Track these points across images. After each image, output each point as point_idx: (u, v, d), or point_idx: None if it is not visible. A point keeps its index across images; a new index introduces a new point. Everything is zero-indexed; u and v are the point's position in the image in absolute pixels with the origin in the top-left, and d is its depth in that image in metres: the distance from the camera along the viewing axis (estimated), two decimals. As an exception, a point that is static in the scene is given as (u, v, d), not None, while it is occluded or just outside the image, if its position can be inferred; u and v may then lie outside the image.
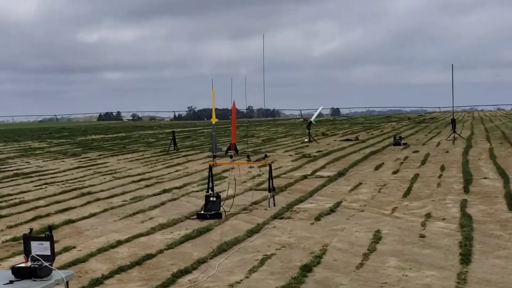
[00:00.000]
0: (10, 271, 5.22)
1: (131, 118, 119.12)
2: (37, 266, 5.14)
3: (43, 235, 5.49)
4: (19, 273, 5.14)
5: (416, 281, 7.16)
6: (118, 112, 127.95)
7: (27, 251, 5.36)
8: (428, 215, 10.92)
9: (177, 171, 19.77)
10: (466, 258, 8.01)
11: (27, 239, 5.38)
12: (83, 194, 14.76)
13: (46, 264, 5.18)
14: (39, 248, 5.32)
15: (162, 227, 10.56)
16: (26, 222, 11.35)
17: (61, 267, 7.17)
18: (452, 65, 31.22)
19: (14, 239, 9.88)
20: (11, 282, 5.08)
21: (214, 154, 18.79)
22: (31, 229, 5.82)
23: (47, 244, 5.32)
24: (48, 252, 5.30)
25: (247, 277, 7.53)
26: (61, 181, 17.59)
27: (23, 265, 5.23)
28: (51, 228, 5.90)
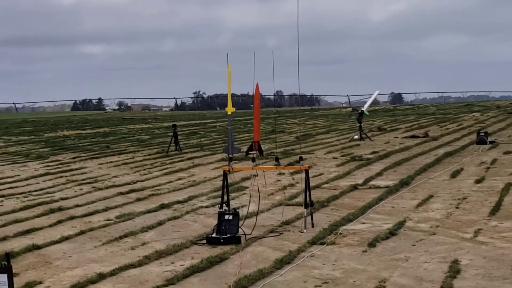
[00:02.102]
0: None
1: (117, 107, 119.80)
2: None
3: (-2, 265, 5.53)
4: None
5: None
6: (100, 100, 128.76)
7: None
8: (525, 240, 10.83)
9: (179, 179, 19.81)
10: None
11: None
12: (52, 211, 14.83)
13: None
14: (-7, 283, 5.36)
15: (159, 255, 10.58)
16: (-24, 248, 11.46)
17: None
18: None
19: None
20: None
21: (231, 156, 18.83)
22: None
23: (3, 277, 5.36)
24: (5, 288, 5.34)
25: (275, 324, 7.52)
26: (23, 193, 17.72)
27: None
28: (9, 256, 5.94)
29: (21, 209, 15.25)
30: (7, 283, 5.37)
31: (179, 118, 65.18)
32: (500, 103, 74.68)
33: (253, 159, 13.74)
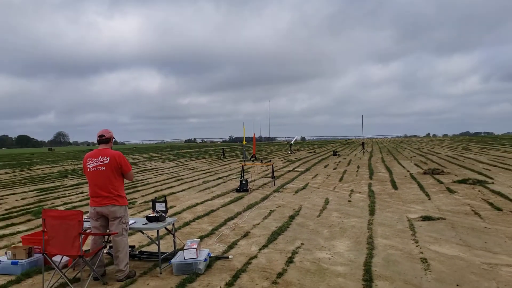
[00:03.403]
0: (145, 218, 5.23)
1: (201, 141, 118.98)
2: (159, 215, 5.16)
3: (161, 200, 5.51)
4: (150, 219, 5.16)
5: (347, 224, 7.08)
6: (195, 139, 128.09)
7: (153, 208, 5.37)
8: (352, 190, 10.78)
9: (225, 168, 19.72)
10: (372, 212, 7.91)
11: (153, 202, 5.40)
12: (178, 180, 14.74)
13: (163, 214, 5.19)
14: (159, 206, 5.33)
15: (218, 196, 10.50)
16: (151, 193, 11.35)
17: (170, 216, 7.15)
18: (362, 115, 31.99)
19: (145, 202, 9.90)
20: (146, 223, 5.09)
21: (244, 159, 18.74)
22: (155, 197, 5.83)
23: (163, 204, 5.34)
24: (164, 208, 5.31)
25: (262, 221, 7.48)
26: (168, 173, 17.58)
27: (151, 215, 5.24)
28: (165, 196, 5.91)
29: (167, 179, 15.13)
30: (165, 206, 5.33)
31: (225, 145, 64.82)
32: (341, 140, 74.83)
33: (253, 161, 13.75)
